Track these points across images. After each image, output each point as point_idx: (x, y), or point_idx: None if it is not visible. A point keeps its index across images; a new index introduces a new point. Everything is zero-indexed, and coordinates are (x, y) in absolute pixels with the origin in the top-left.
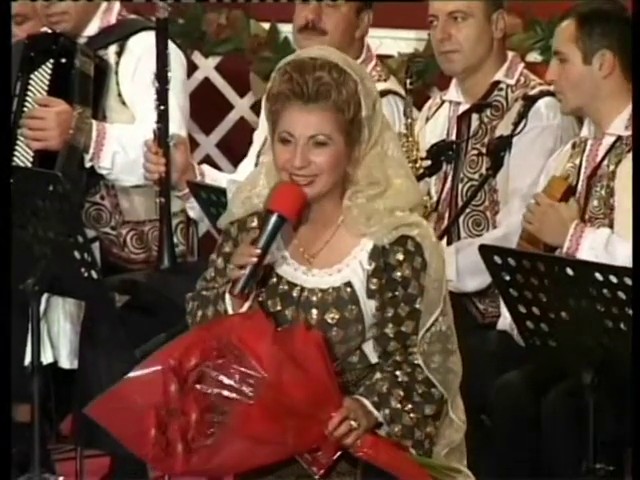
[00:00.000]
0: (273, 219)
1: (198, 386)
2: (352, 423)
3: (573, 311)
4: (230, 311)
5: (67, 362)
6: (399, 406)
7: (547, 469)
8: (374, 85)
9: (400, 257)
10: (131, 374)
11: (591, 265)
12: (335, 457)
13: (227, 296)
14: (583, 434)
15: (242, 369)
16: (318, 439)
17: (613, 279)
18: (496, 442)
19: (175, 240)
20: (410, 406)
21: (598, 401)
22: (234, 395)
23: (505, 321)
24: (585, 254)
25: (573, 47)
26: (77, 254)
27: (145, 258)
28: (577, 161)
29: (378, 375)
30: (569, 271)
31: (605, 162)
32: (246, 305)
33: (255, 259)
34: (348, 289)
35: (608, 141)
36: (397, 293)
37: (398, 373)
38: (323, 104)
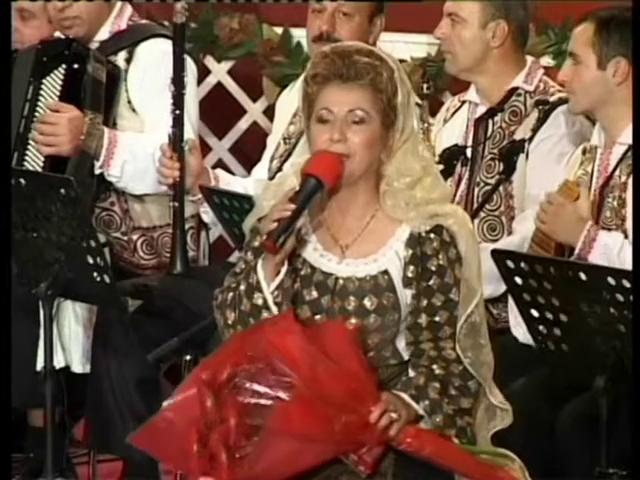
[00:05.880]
0: (310, 182)
1: (234, 395)
2: (392, 415)
3: (586, 315)
4: (262, 280)
5: (79, 366)
6: (438, 397)
7: (560, 473)
8: (407, 79)
9: (436, 246)
10: (169, 400)
11: (604, 269)
12: (380, 454)
13: (259, 266)
14: (596, 438)
15: (275, 374)
16: (362, 433)
17: (626, 283)
18: (508, 446)
19: None
20: (447, 399)
21: (611, 405)
22: (269, 402)
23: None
24: (597, 257)
25: (589, 51)
26: (90, 258)
27: (155, 264)
28: (589, 169)
29: (413, 372)
30: (582, 275)
31: (617, 172)
32: (279, 277)
33: (289, 213)
34: (385, 277)
35: (619, 150)
36: (432, 283)
37: (434, 367)
38: (361, 82)
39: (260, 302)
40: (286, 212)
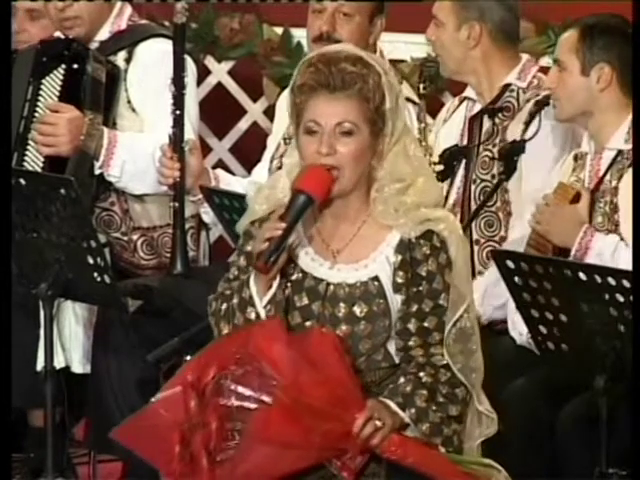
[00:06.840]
0: (300, 199)
1: (217, 398)
2: (377, 423)
3: (586, 315)
4: (254, 295)
5: (79, 367)
6: (424, 405)
7: (560, 473)
8: (397, 81)
9: (426, 251)
10: (155, 397)
11: (604, 269)
12: (364, 460)
13: (251, 281)
14: (596, 438)
15: (260, 378)
16: (344, 440)
17: (626, 283)
18: (507, 446)
19: None
20: (435, 407)
21: (611, 405)
22: (254, 405)
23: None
24: (593, 259)
25: (573, 57)
26: (90, 259)
27: (155, 264)
28: (581, 175)
29: (402, 378)
30: (582, 275)
31: (607, 177)
32: (271, 291)
33: (280, 232)
34: (376, 283)
35: (609, 155)
36: (421, 288)
37: (422, 374)
38: (349, 92)
39: (253, 316)
40: (277, 231)
